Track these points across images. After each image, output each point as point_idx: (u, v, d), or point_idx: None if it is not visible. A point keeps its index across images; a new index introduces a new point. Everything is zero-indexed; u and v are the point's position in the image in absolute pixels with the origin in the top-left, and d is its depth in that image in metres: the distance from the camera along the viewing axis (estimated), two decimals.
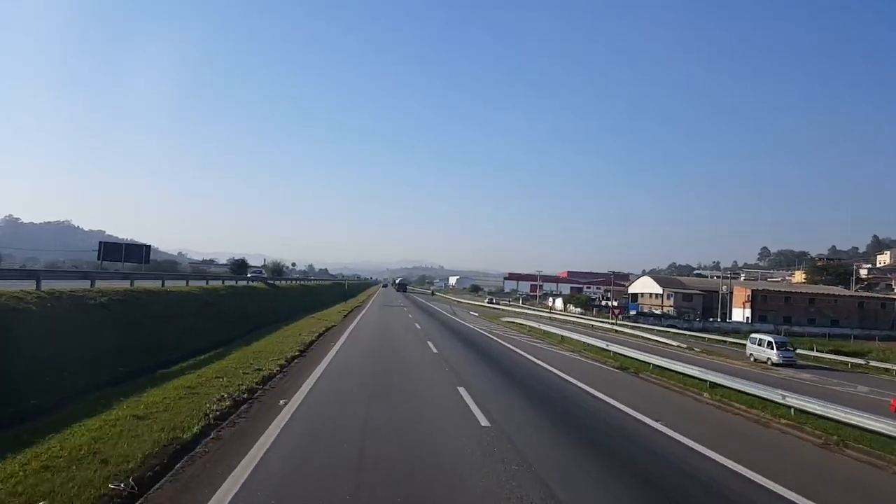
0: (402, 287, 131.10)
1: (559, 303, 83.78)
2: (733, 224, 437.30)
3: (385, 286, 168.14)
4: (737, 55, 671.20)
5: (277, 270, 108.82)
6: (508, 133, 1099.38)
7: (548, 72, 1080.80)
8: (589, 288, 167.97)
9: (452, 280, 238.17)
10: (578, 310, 72.91)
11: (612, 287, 79.16)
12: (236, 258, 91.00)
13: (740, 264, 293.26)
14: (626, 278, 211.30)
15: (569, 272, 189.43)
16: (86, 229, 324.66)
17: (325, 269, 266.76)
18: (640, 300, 77.83)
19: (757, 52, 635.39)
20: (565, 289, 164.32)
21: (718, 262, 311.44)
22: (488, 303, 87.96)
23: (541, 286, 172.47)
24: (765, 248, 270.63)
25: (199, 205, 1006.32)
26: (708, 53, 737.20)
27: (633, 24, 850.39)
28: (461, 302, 77.83)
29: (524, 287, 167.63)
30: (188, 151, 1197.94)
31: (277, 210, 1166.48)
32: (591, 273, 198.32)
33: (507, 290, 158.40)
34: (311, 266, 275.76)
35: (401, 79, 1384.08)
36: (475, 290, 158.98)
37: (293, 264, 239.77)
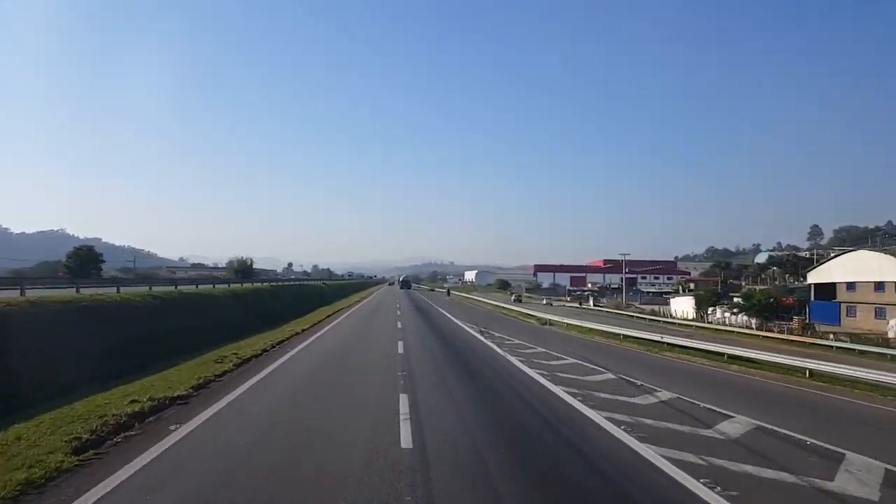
0: (405, 284, 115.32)
1: (683, 305, 46.82)
2: (765, 204, 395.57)
3: (391, 284, 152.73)
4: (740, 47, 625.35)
5: (244, 272, 76.41)
6: (510, 130, 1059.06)
7: (547, 71, 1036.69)
8: (645, 279, 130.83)
9: (469, 275, 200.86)
10: (743, 318, 36.45)
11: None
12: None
13: (787, 244, 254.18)
14: (674, 265, 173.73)
15: (605, 260, 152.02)
16: (80, 237, 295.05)
17: (328, 269, 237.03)
18: (844, 294, 40.91)
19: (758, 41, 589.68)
20: (606, 280, 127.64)
21: (759, 245, 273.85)
22: (514, 300, 54.08)
23: (583, 277, 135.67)
24: (815, 226, 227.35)
25: (203, 209, 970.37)
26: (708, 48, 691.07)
27: (634, 23, 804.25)
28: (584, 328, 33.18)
29: (560, 280, 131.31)
30: (190, 154, 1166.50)
31: (285, 213, 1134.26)
32: (634, 261, 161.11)
33: (545, 284, 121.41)
34: (315, 266, 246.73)
35: (401, 79, 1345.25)
36: (503, 286, 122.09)
37: (289, 265, 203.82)
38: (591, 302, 62.74)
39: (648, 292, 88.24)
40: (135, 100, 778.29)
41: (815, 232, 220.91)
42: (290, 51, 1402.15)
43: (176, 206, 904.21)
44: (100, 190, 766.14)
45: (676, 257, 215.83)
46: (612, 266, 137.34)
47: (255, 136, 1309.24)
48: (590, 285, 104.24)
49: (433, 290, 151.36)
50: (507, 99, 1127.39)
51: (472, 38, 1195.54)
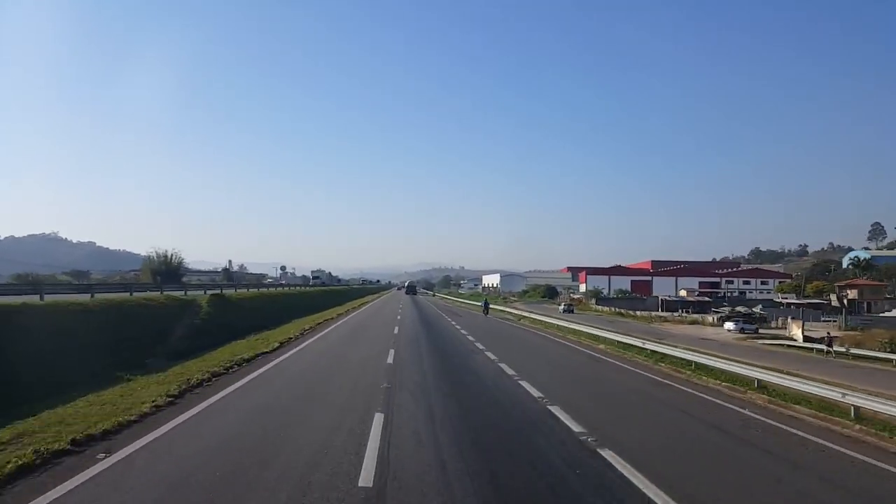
0: (411, 290, 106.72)
1: None
2: (801, 203, 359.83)
3: (399, 289, 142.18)
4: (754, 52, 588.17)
5: (167, 273, 50.45)
6: (515, 132, 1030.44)
7: (548, 71, 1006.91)
8: (731, 282, 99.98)
9: (490, 279, 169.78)
10: None
11: None
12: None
13: (838, 245, 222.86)
14: (736, 265, 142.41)
15: (652, 262, 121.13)
16: (74, 241, 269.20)
17: (328, 274, 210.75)
18: None
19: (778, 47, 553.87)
20: (668, 286, 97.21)
21: (806, 246, 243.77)
22: (564, 311, 27.90)
23: (649, 282, 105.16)
24: (877, 223, 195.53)
25: (209, 213, 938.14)
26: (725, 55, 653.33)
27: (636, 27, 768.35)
28: None
29: (618, 284, 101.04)
30: (193, 156, 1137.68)
31: (293, 219, 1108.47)
32: (690, 262, 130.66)
33: (610, 292, 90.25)
34: (320, 270, 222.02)
35: (405, 84, 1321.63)
36: (550, 294, 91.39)
37: (282, 268, 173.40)
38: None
39: (788, 304, 57.58)
40: (132, 99, 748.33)
41: (877, 230, 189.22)
42: (298, 56, 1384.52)
43: (179, 209, 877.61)
44: (96, 192, 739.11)
45: (714, 259, 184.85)
46: (682, 268, 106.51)
47: (260, 139, 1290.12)
48: (684, 293, 73.34)
49: (434, 295, 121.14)
50: (511, 100, 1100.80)
51: (474, 40, 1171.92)
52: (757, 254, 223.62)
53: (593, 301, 65.23)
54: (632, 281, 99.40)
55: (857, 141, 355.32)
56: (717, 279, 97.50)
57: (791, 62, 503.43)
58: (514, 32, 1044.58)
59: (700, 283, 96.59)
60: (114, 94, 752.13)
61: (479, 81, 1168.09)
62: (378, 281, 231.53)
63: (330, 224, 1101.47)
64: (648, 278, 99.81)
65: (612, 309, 55.48)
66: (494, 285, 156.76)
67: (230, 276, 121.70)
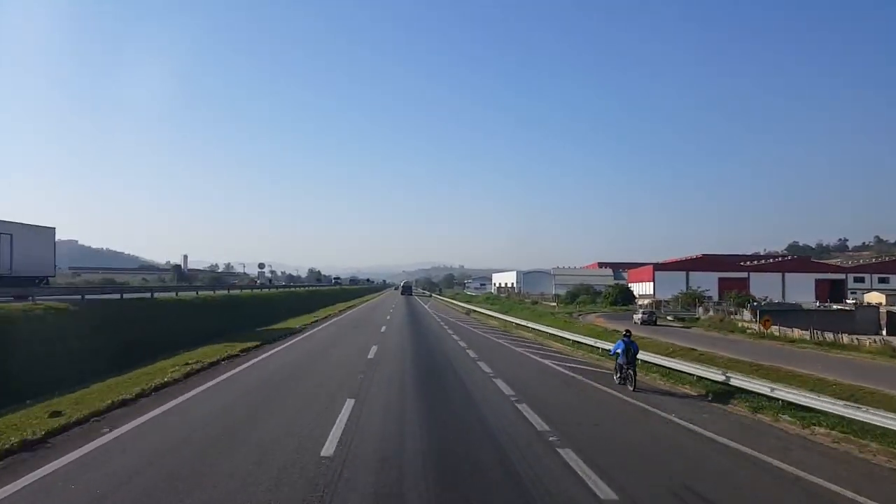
0: (406, 290, 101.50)
1: None
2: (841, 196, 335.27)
3: (396, 289, 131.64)
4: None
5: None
6: (514, 131, 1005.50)
7: (548, 71, 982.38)
8: (861, 280, 72.86)
9: (504, 279, 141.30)
10: None
11: None
12: None
13: (887, 239, 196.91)
14: (806, 257, 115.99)
15: (703, 255, 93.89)
16: (54, 239, 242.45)
17: (318, 272, 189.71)
18: None
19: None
20: (769, 284, 70.59)
21: (846, 241, 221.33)
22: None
23: (745, 279, 77.60)
24: None
25: (205, 214, 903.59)
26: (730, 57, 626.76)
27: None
28: None
29: (699, 281, 73.80)
30: (187, 157, 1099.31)
31: (288, 218, 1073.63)
32: (759, 257, 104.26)
33: (709, 289, 62.92)
34: (310, 270, 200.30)
35: (406, 83, 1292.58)
36: (625, 297, 63.80)
37: (260, 266, 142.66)
38: None
39: None
40: (123, 97, 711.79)
41: None
42: (296, 54, 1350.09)
43: (173, 208, 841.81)
44: (81, 190, 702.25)
45: (758, 253, 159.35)
46: (789, 261, 79.23)
47: (259, 138, 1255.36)
48: (881, 299, 45.64)
49: (431, 296, 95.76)
50: (511, 100, 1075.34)
51: (474, 40, 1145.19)
52: (794, 248, 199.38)
53: (741, 314, 37.53)
54: (719, 278, 71.87)
55: (865, 141, 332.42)
56: (841, 275, 70.18)
57: (791, 61, 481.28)
58: (514, 32, 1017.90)
59: (816, 280, 69.38)
60: (103, 91, 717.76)
61: (479, 81, 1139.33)
62: (368, 280, 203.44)
63: (329, 223, 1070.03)
64: (744, 275, 72.33)
65: (820, 335, 28.02)
66: (509, 285, 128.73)
67: (182, 274, 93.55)
